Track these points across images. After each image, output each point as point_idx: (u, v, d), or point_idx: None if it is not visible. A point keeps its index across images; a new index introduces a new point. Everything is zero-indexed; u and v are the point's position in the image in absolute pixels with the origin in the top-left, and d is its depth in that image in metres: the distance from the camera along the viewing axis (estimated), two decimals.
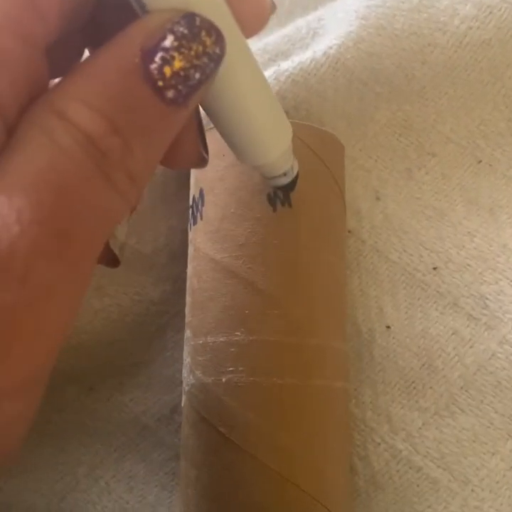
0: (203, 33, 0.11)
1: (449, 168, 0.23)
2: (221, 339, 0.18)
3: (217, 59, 0.12)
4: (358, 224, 0.23)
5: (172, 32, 0.11)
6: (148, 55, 0.11)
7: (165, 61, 0.11)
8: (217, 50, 0.12)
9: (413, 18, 0.23)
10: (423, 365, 0.20)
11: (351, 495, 0.20)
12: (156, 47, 0.11)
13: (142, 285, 0.24)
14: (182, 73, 0.11)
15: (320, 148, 0.20)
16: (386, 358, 0.21)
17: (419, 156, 0.23)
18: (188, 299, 0.20)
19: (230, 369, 0.17)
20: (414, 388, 0.20)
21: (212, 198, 0.19)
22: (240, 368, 0.17)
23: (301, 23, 0.24)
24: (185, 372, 0.19)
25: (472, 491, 0.20)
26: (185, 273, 0.24)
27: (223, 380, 0.17)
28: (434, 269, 0.21)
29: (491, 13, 0.22)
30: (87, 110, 0.11)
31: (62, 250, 0.10)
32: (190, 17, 0.11)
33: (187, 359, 0.19)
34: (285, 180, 0.17)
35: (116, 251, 0.15)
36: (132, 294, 0.23)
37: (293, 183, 0.18)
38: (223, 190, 0.19)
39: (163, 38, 0.11)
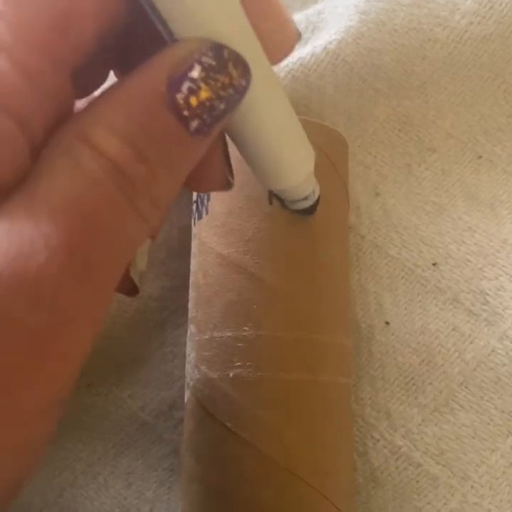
0: (230, 65, 0.12)
1: (449, 164, 0.23)
2: (228, 334, 0.18)
3: (243, 91, 0.12)
4: (357, 219, 0.23)
5: (200, 62, 0.11)
6: (174, 85, 0.11)
7: (191, 91, 0.11)
8: (243, 83, 0.12)
9: (413, 13, 0.22)
10: (422, 361, 0.20)
11: (354, 491, 0.20)
12: (183, 77, 0.11)
13: None
14: (207, 104, 0.11)
15: (326, 146, 0.20)
16: (385, 354, 0.21)
17: (419, 152, 0.23)
18: (193, 294, 0.20)
19: (238, 364, 0.17)
20: (414, 384, 0.20)
21: (218, 193, 0.19)
22: (248, 363, 0.17)
23: (300, 17, 0.24)
24: (189, 368, 0.19)
25: (472, 487, 0.19)
26: (184, 269, 0.24)
27: (230, 375, 0.17)
28: (434, 264, 0.21)
29: (491, 7, 0.22)
30: (114, 137, 0.11)
31: (87, 275, 0.11)
32: (218, 48, 0.11)
33: (191, 354, 0.19)
34: (306, 204, 0.17)
35: (136, 279, 0.15)
36: None
37: (314, 207, 0.18)
38: None
39: (191, 68, 0.11)
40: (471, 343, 0.20)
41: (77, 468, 0.23)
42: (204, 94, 0.11)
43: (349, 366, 0.19)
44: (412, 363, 0.20)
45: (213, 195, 0.19)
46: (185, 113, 0.11)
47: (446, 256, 0.21)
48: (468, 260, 0.21)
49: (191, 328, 0.19)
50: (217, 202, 0.19)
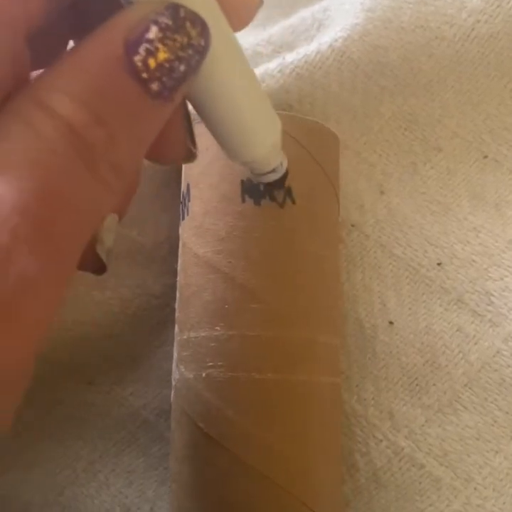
0: (188, 25, 0.11)
1: (454, 163, 0.23)
2: (202, 334, 0.18)
3: (203, 51, 0.12)
4: (361, 218, 0.22)
5: (156, 23, 0.11)
6: (131, 47, 0.11)
7: (149, 53, 0.11)
8: (202, 42, 0.12)
9: (420, 10, 0.22)
10: (426, 361, 0.20)
11: (341, 493, 0.20)
12: (140, 38, 0.11)
13: (143, 278, 0.23)
14: (166, 65, 0.11)
15: (305, 138, 0.19)
16: (389, 354, 0.20)
17: (425, 151, 0.23)
18: (177, 294, 0.20)
19: (210, 364, 0.17)
20: (417, 385, 0.20)
21: (197, 193, 0.19)
22: (219, 363, 0.17)
23: (306, 13, 0.24)
24: (173, 367, 0.19)
25: (475, 489, 0.19)
26: None
27: (203, 375, 0.17)
28: (439, 264, 0.21)
29: (499, 6, 0.22)
30: (70, 101, 0.11)
31: (45, 241, 0.10)
32: (174, 8, 0.11)
33: (174, 354, 0.19)
34: (274, 177, 0.17)
35: (103, 257, 0.15)
36: (134, 287, 0.23)
37: (282, 180, 0.18)
38: (207, 185, 0.19)
39: (147, 30, 0.11)
40: (475, 344, 0.20)
41: (78, 466, 0.23)
42: (162, 55, 0.11)
43: (335, 364, 0.19)
44: (416, 364, 0.20)
45: (193, 195, 0.19)
46: (144, 75, 0.11)
47: (451, 256, 0.21)
48: (474, 260, 0.21)
49: (176, 328, 0.19)
50: (196, 202, 0.19)
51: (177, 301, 0.20)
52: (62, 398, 0.23)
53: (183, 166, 0.21)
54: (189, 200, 0.19)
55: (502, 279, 0.20)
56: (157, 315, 0.24)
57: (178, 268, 0.20)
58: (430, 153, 0.23)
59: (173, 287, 0.24)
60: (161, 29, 0.11)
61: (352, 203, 0.22)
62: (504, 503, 0.19)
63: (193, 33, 0.11)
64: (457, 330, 0.20)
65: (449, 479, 0.19)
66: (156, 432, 0.23)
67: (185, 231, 0.19)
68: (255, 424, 0.17)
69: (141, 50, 0.11)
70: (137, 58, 0.11)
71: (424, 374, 0.20)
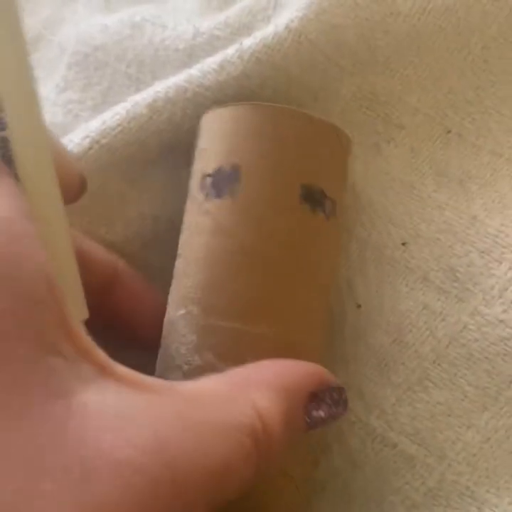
0: (343, 403, 0.16)
1: (417, 141, 0.23)
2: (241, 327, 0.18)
3: (341, 416, 0.16)
4: None
5: (331, 394, 0.16)
6: (315, 398, 0.16)
7: (321, 409, 0.16)
8: (341, 411, 0.16)
9: None
10: (394, 340, 0.20)
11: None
12: (322, 397, 0.16)
13: None
14: (325, 420, 0.16)
15: (347, 151, 0.21)
16: (357, 336, 0.20)
17: (387, 129, 0.23)
18: (205, 279, 0.19)
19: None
20: (386, 365, 0.20)
21: (253, 181, 0.19)
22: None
23: None
24: (182, 351, 0.18)
25: (449, 465, 0.19)
26: (159, 261, 0.23)
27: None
28: (403, 244, 0.21)
29: None
30: (268, 404, 0.14)
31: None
32: (342, 390, 0.17)
33: (188, 337, 0.18)
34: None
35: None
36: None
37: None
38: (263, 177, 0.19)
39: (329, 394, 0.16)
40: (442, 320, 0.20)
41: None
42: (324, 414, 0.16)
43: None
44: (384, 344, 0.20)
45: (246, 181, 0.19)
46: (308, 420, 0.15)
47: (415, 235, 0.21)
48: (438, 238, 0.21)
49: (192, 308, 0.18)
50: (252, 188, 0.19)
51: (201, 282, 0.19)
52: None
53: (226, 141, 0.20)
54: (237, 182, 0.19)
55: (467, 255, 0.20)
56: None
57: (200, 247, 0.19)
58: (393, 132, 0.23)
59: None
60: (333, 401, 0.16)
61: None
62: (479, 477, 0.19)
63: (342, 407, 0.16)
64: (424, 308, 0.20)
65: (423, 457, 0.20)
66: None
67: (227, 213, 0.19)
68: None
69: (320, 411, 0.16)
70: (312, 405, 0.15)
71: (392, 353, 0.20)
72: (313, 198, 0.19)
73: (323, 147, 0.20)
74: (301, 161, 0.19)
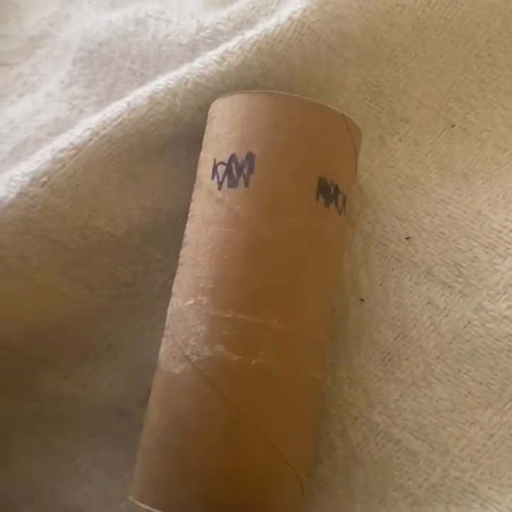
0: None
1: (421, 134, 0.22)
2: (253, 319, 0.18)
3: None
4: None
5: None
6: None
7: None
8: None
9: None
10: (398, 335, 0.20)
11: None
12: None
13: (114, 267, 0.23)
14: None
15: (358, 143, 0.21)
16: (361, 331, 0.20)
17: (391, 123, 0.23)
18: (217, 269, 0.18)
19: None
20: (390, 360, 0.20)
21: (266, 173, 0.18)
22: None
23: None
24: (191, 343, 0.18)
25: (452, 461, 0.19)
26: (160, 254, 0.23)
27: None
28: (407, 238, 0.21)
29: None
30: None
31: None
32: None
33: (198, 327, 0.18)
34: None
35: None
36: (103, 277, 0.23)
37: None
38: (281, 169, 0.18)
39: None
40: (446, 315, 0.20)
41: (59, 459, 0.23)
42: None
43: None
44: (388, 339, 0.20)
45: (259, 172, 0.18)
46: None
47: (419, 229, 0.21)
48: (442, 233, 0.20)
49: (204, 299, 0.18)
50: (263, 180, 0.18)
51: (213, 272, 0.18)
52: (37, 393, 0.23)
53: (240, 129, 0.19)
54: (251, 172, 0.18)
55: (471, 249, 0.20)
56: (129, 303, 0.23)
57: (216, 237, 0.19)
58: (397, 125, 0.23)
59: (144, 275, 0.24)
60: None
61: None
62: (482, 473, 0.19)
63: None
64: (428, 303, 0.20)
65: (426, 453, 0.19)
66: (135, 422, 0.23)
67: (244, 202, 0.18)
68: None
69: None
70: None
71: (396, 348, 0.20)
72: (329, 193, 0.18)
73: (338, 142, 0.19)
74: (318, 155, 0.19)
